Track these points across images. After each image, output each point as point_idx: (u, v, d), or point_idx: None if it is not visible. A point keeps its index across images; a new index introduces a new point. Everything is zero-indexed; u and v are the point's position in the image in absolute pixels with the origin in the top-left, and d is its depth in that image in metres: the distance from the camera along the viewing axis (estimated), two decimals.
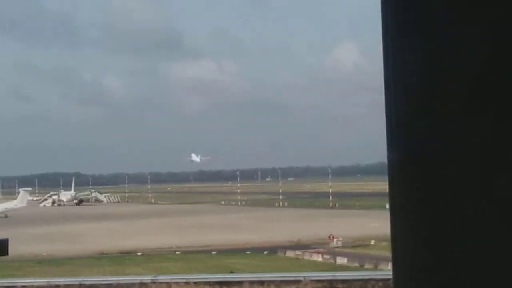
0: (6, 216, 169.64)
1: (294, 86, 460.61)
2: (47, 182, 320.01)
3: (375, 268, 76.29)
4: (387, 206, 2.21)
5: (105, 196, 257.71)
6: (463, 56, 1.99)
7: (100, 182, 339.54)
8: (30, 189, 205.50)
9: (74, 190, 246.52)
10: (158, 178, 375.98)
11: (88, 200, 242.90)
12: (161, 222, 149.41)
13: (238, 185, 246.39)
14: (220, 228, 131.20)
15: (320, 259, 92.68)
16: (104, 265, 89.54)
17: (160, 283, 48.07)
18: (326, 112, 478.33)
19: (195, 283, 47.40)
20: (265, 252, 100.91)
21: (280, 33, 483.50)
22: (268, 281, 48.09)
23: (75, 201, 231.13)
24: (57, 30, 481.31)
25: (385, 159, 2.12)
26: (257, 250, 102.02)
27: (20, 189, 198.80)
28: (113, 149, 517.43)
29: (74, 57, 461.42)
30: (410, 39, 2.06)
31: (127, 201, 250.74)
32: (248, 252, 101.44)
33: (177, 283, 48.35)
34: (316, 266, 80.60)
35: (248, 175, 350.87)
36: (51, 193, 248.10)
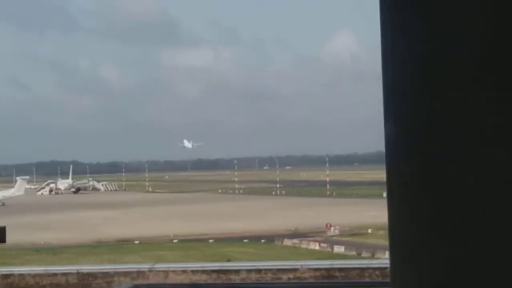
0: (3, 204, 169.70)
1: (290, 74, 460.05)
2: (45, 171, 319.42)
3: (372, 256, 76.45)
4: (385, 195, 2.21)
5: (102, 185, 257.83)
6: (463, 56, 1.97)
7: (97, 170, 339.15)
8: (27, 177, 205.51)
9: (72, 179, 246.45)
10: (155, 167, 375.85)
11: (85, 189, 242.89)
12: (158, 211, 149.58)
13: (236, 173, 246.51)
14: (217, 217, 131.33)
15: (317, 247, 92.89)
16: (101, 253, 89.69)
17: (158, 271, 48.08)
18: (323, 100, 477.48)
19: (193, 271, 47.42)
20: (263, 240, 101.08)
21: (275, 22, 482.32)
22: (265, 270, 48.13)
23: (73, 190, 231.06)
24: (52, 18, 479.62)
25: (382, 148, 2.12)
26: (254, 239, 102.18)
27: (17, 178, 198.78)
28: (111, 138, 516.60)
29: (70, 45, 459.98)
30: (410, 40, 2.05)
31: (125, 190, 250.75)
32: (245, 240, 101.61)
33: (174, 271, 48.34)
34: (313, 255, 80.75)
35: (246, 164, 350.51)
36: (49, 181, 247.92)
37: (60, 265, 62.86)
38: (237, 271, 47.54)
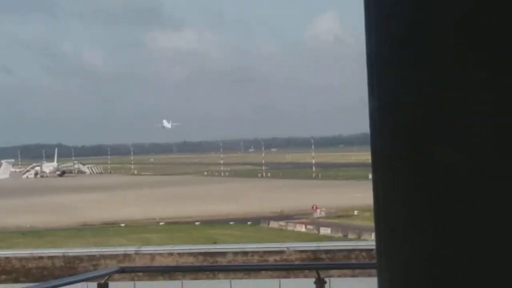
0: None
1: (275, 56, 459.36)
2: (30, 154, 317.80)
3: (359, 238, 76.65)
4: (370, 176, 2.16)
5: (88, 168, 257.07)
6: (463, 55, 1.91)
7: (82, 153, 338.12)
8: (12, 160, 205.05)
9: (57, 162, 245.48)
10: (141, 150, 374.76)
11: (71, 172, 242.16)
12: (144, 194, 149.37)
13: (221, 156, 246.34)
14: (203, 199, 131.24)
15: (303, 229, 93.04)
16: (87, 236, 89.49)
17: (144, 254, 48.06)
18: (307, 82, 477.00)
19: (179, 254, 47.42)
20: (249, 223, 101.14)
21: (260, 3, 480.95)
22: (252, 252, 48.20)
23: (58, 173, 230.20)
24: (36, 1, 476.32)
25: (367, 130, 2.03)
26: (240, 221, 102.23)
27: (2, 161, 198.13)
28: (96, 120, 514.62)
29: (53, 28, 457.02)
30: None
31: (110, 173, 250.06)
32: (231, 223, 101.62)
33: (161, 254, 48.31)
34: (299, 237, 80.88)
35: (231, 146, 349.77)
36: (34, 164, 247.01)
37: (46, 248, 62.71)
38: (223, 253, 47.53)
